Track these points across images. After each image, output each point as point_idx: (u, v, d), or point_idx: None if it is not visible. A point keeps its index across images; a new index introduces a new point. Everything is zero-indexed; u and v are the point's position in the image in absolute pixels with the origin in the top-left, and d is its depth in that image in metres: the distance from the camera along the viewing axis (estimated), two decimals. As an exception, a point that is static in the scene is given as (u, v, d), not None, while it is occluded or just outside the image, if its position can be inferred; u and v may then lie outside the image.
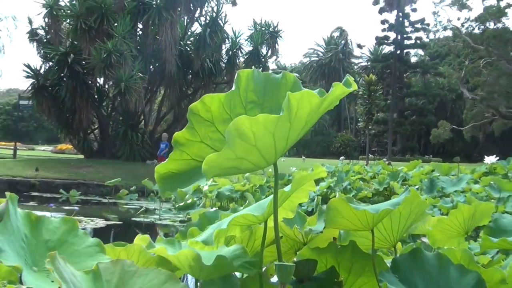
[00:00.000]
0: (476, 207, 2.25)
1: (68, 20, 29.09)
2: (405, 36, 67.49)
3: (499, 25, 47.86)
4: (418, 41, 67.63)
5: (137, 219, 12.89)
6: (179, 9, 28.93)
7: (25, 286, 1.56)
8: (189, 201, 12.34)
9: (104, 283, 1.39)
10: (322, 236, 1.93)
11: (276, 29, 30.59)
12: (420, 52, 69.67)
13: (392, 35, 67.53)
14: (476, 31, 49.80)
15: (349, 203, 1.69)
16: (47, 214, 2.40)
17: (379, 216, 1.72)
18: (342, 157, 30.29)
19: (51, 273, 1.66)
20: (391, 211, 1.73)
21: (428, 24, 64.88)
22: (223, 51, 31.06)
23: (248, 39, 30.62)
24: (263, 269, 1.86)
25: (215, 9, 30.45)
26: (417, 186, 9.83)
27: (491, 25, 48.15)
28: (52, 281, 1.64)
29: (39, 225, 1.81)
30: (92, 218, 12.73)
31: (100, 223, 12.19)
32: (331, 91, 1.39)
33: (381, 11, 67.33)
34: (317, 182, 11.93)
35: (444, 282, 1.66)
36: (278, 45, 30.96)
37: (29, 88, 29.24)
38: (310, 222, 2.02)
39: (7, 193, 1.76)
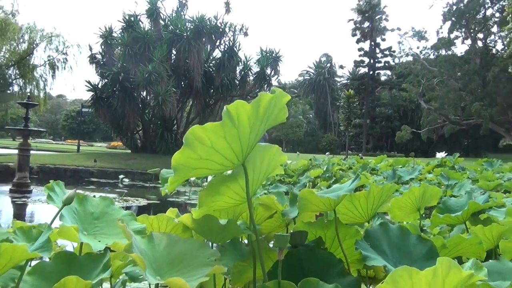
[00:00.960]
0: (425, 189, 2.23)
1: (119, 47, 29.20)
2: (376, 60, 67.55)
3: (449, 52, 47.94)
4: (386, 64, 67.63)
5: (171, 199, 12.92)
6: (203, 39, 29.02)
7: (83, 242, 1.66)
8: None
9: (156, 245, 1.42)
10: (305, 214, 1.92)
11: (277, 55, 30.58)
12: (388, 72, 69.48)
13: (366, 59, 67.56)
14: (431, 56, 49.77)
15: (315, 193, 1.68)
16: (103, 195, 2.41)
17: (339, 200, 1.71)
18: (327, 153, 30.26)
19: (97, 236, 1.71)
20: (347, 195, 1.73)
21: (394, 51, 64.65)
22: (237, 72, 31.05)
23: (256, 62, 30.67)
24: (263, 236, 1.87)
25: (231, 39, 30.56)
26: (382, 175, 9.80)
27: (443, 52, 48.15)
28: (99, 241, 1.67)
29: (85, 201, 1.83)
30: (137, 198, 12.80)
31: (143, 202, 12.27)
32: (258, 97, 1.34)
33: (358, 41, 67.42)
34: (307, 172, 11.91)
35: (405, 247, 1.65)
36: (279, 66, 30.97)
37: (90, 99, 29.47)
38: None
39: (51, 181, 1.80)
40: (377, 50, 67.41)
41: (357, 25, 66.93)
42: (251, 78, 31.12)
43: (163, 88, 26.40)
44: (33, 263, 1.61)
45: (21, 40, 32.26)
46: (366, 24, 66.35)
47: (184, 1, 31.05)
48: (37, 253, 1.35)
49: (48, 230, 1.45)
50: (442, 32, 48.83)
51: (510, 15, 34.36)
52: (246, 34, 31.08)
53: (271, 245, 1.83)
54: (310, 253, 1.66)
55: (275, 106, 1.40)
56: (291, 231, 1.87)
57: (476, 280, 1.13)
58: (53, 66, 32.88)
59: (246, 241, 2.07)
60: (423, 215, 4.03)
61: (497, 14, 45.34)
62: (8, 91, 33.70)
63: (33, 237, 1.61)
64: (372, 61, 67.30)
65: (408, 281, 1.04)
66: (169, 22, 29.99)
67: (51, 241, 1.44)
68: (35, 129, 15.49)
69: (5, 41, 31.28)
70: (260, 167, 1.60)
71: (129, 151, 31.35)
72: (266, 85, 31.24)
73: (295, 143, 65.47)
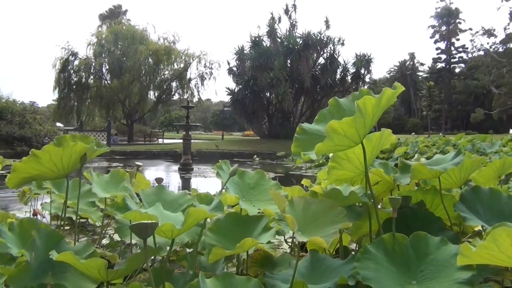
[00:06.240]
0: (505, 160, 2.06)
1: (248, 61, 29.79)
2: (451, 56, 63.27)
3: (516, 45, 43.80)
4: (460, 59, 63.23)
5: (292, 172, 13.02)
6: (311, 50, 28.72)
7: (242, 208, 1.69)
8: (321, 161, 12.24)
9: (295, 206, 1.42)
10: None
11: (369, 57, 29.43)
12: (462, 65, 64.55)
13: (443, 56, 63.58)
14: (500, 50, 45.54)
15: (425, 166, 1.59)
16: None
17: (445, 171, 1.62)
18: (413, 133, 28.72)
19: (252, 202, 1.74)
20: (454, 168, 1.62)
21: (467, 48, 60.45)
22: (338, 73, 30.30)
23: (353, 65, 29.72)
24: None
25: (331, 48, 29.95)
26: (464, 149, 9.13)
27: (511, 45, 43.90)
28: (253, 206, 1.70)
29: (243, 175, 1.88)
30: (267, 172, 12.99)
31: (272, 175, 12.43)
32: (382, 93, 1.32)
33: (435, 42, 63.81)
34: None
35: (496, 206, 1.53)
36: (371, 67, 29.79)
37: (229, 100, 30.46)
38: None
39: (220, 160, 1.85)
40: (452, 48, 63.05)
41: (436, 29, 63.22)
42: (349, 77, 30.23)
43: (281, 89, 26.60)
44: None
45: (180, 61, 34.00)
46: (443, 28, 62.35)
47: (294, 23, 30.89)
48: (213, 213, 1.41)
49: (219, 195, 1.51)
50: (509, 28, 44.51)
51: None
52: (343, 44, 30.24)
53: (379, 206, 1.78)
54: (414, 213, 1.61)
55: (394, 96, 1.37)
56: (396, 195, 1.80)
57: None
58: (202, 78, 34.30)
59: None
60: (502, 180, 3.69)
61: (561, 9, 40.39)
62: (172, 98, 35.83)
63: (206, 201, 1.69)
64: (448, 57, 63.13)
65: (506, 239, 0.96)
66: (284, 39, 30.00)
67: (223, 203, 1.50)
68: (194, 124, 16.30)
69: (169, 62, 33.21)
70: (375, 144, 1.58)
71: (259, 137, 31.98)
72: (361, 82, 30.23)
73: (385, 126, 63.04)
